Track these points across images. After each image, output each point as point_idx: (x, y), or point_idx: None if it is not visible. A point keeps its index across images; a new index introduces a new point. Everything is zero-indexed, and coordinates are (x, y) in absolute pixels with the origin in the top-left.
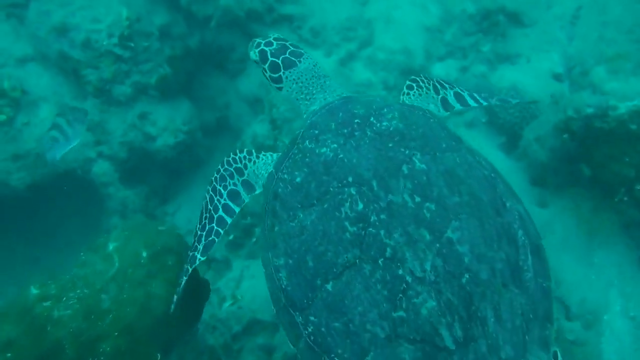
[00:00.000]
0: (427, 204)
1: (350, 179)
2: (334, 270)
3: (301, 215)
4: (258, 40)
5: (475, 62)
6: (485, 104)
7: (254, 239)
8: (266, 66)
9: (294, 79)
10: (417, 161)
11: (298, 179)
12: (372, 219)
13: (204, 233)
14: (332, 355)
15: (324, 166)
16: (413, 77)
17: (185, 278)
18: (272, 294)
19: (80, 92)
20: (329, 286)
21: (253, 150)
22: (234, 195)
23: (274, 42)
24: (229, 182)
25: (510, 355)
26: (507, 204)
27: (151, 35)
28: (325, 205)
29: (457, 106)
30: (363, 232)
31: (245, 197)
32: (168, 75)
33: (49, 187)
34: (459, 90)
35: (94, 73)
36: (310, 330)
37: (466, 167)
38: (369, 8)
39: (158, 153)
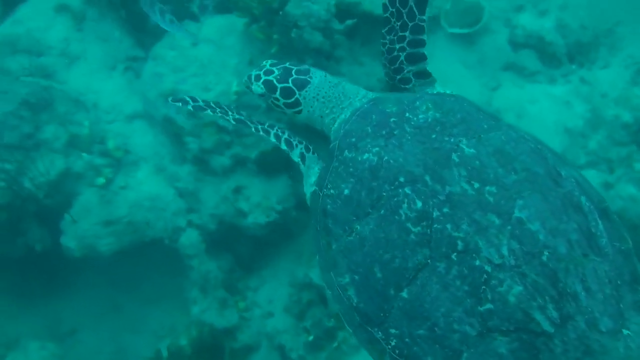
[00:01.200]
0: (487, 188)
1: (401, 179)
2: (406, 275)
3: (358, 227)
4: (255, 72)
5: (623, 180)
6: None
7: (336, 344)
8: (277, 95)
9: (312, 97)
10: (464, 147)
11: (346, 192)
12: (434, 215)
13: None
14: None
15: (370, 172)
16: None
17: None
18: (344, 315)
19: (180, 156)
20: (403, 293)
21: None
22: (288, 143)
23: (274, 69)
24: (296, 139)
25: (610, 327)
26: (563, 173)
27: (258, 109)
28: (382, 211)
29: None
30: (429, 230)
31: (296, 156)
32: (269, 150)
33: (136, 254)
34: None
35: (195, 141)
36: (393, 343)
37: (513, 144)
38: (500, 95)
39: (248, 229)
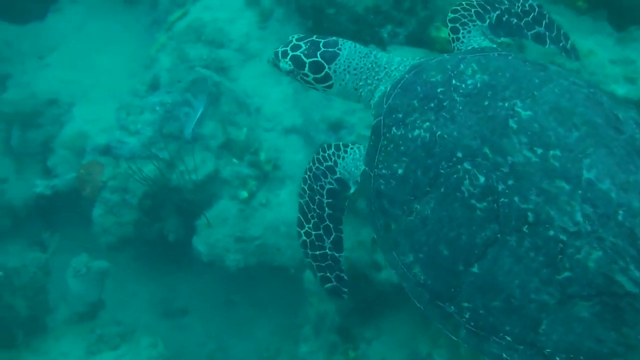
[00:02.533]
0: (551, 152)
1: (459, 154)
2: (475, 251)
3: (418, 207)
4: (282, 48)
5: None
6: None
7: None
8: (306, 70)
9: (343, 70)
10: (520, 110)
11: (400, 171)
12: (499, 189)
13: (321, 231)
14: (501, 334)
15: (424, 150)
16: (451, 15)
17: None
18: (412, 292)
19: None
20: (474, 269)
21: (340, 145)
22: (333, 194)
23: (301, 43)
24: (325, 182)
25: None
26: (620, 115)
27: None
28: (442, 190)
29: (501, 35)
30: (495, 205)
31: (344, 194)
32: None
33: (258, 275)
34: (500, 14)
35: None
36: (467, 316)
37: (568, 96)
38: None
39: (378, 284)
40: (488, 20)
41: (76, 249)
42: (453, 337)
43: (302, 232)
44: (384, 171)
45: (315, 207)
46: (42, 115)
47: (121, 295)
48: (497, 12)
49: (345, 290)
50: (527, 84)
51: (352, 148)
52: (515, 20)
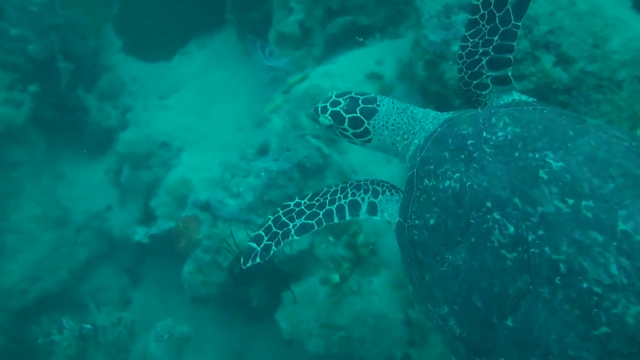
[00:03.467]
0: (584, 203)
1: (489, 204)
2: (508, 303)
3: (450, 257)
4: (321, 105)
5: None
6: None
7: None
8: (345, 125)
9: (382, 125)
10: (551, 161)
11: (432, 221)
12: (530, 239)
13: (307, 211)
14: None
15: (454, 200)
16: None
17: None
18: (448, 345)
19: None
20: (508, 322)
21: (397, 187)
22: (354, 205)
23: (341, 100)
24: (360, 194)
25: None
26: None
27: None
28: (472, 239)
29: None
30: (526, 255)
31: (363, 214)
32: None
33: None
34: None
35: None
36: None
37: (605, 147)
38: None
39: None
40: (489, 78)
41: (163, 291)
42: None
43: (296, 200)
44: (417, 222)
45: (328, 198)
46: (153, 157)
47: (197, 338)
48: (486, 59)
49: (258, 260)
50: (561, 136)
51: (399, 194)
52: (496, 38)
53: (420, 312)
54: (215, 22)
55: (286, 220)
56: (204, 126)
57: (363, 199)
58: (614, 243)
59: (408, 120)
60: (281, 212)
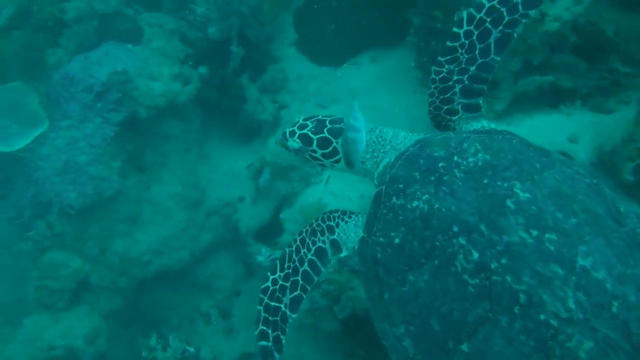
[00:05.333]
0: (547, 235)
1: (455, 229)
2: (466, 329)
3: (412, 278)
4: (289, 129)
5: None
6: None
7: None
8: (314, 146)
9: None
10: (519, 192)
11: (397, 240)
12: (493, 266)
13: (288, 284)
14: None
15: (421, 221)
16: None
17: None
18: None
19: None
20: (464, 347)
21: (347, 211)
22: (320, 253)
23: (308, 122)
24: (319, 239)
25: None
26: (622, 209)
27: None
28: (436, 262)
29: (479, 99)
30: (487, 283)
31: (332, 257)
32: None
33: None
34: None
35: None
36: None
37: (569, 182)
38: None
39: None
40: (459, 105)
41: None
42: None
43: (270, 277)
44: (381, 239)
45: (296, 259)
46: (295, 171)
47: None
48: (459, 87)
49: (277, 356)
50: (528, 167)
51: (356, 215)
52: (473, 68)
53: (377, 329)
54: (394, 40)
55: (275, 304)
56: None
57: (324, 242)
58: (573, 278)
59: (377, 139)
60: (266, 298)
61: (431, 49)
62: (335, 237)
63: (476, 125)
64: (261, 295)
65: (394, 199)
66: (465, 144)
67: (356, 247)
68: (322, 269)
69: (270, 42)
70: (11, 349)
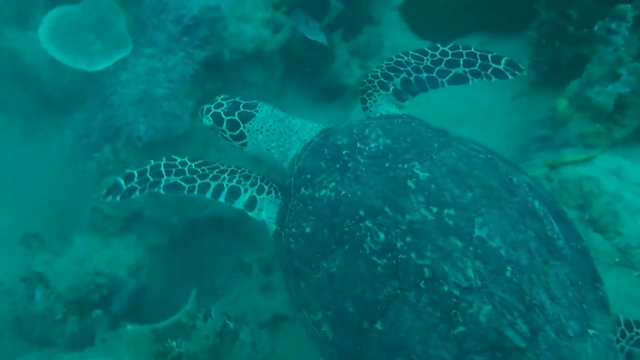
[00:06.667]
0: (446, 211)
1: (362, 213)
2: (378, 308)
3: (325, 265)
4: (207, 106)
5: None
6: (429, 87)
7: None
8: (224, 127)
9: (257, 130)
10: (418, 172)
11: (308, 230)
12: (398, 245)
13: (187, 174)
14: None
15: (330, 209)
16: (361, 87)
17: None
18: (322, 352)
19: None
20: (378, 325)
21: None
22: (233, 191)
23: (224, 102)
24: (244, 184)
25: (577, 330)
26: (514, 180)
27: None
28: (346, 247)
29: (409, 96)
30: (394, 261)
31: (239, 204)
32: None
33: None
34: (406, 76)
35: None
36: None
37: (465, 160)
38: None
39: None
40: (392, 87)
41: None
42: None
43: (187, 160)
44: (294, 230)
45: (215, 172)
46: None
47: None
48: (403, 75)
49: (118, 199)
50: (427, 148)
51: (275, 194)
52: (425, 75)
53: (297, 320)
54: (511, 28)
55: (163, 171)
56: None
57: (246, 190)
58: (471, 248)
59: (284, 129)
60: (163, 162)
61: (553, 50)
62: (259, 197)
63: (385, 109)
64: (163, 157)
65: (303, 190)
66: (367, 130)
67: (270, 234)
68: (221, 199)
69: (373, 0)
70: (60, 265)
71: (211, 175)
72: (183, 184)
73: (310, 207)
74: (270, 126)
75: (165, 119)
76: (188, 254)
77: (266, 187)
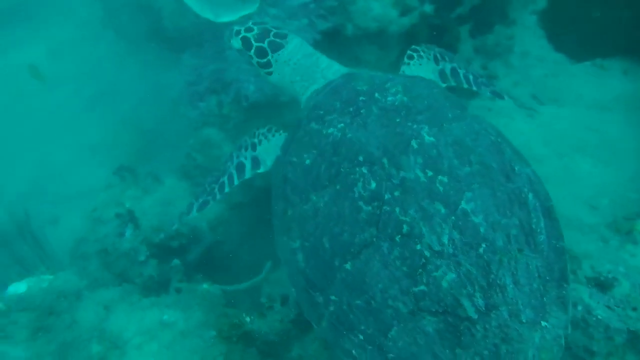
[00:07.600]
0: (440, 177)
1: (360, 158)
2: (352, 250)
3: (314, 198)
4: (237, 27)
5: None
6: (475, 89)
7: None
8: (252, 53)
9: (284, 61)
10: (425, 135)
11: (307, 162)
12: (386, 197)
13: (207, 190)
14: (356, 332)
15: (332, 147)
16: (414, 46)
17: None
18: (291, 277)
19: None
20: (347, 266)
21: (274, 128)
22: (240, 168)
23: (255, 27)
24: (242, 154)
25: (531, 318)
26: (516, 168)
27: None
28: (338, 187)
29: (451, 82)
30: (378, 211)
31: (249, 173)
32: None
33: None
34: (457, 67)
35: None
36: (331, 309)
37: (474, 136)
38: None
39: None
40: (441, 67)
41: None
42: (315, 326)
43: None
44: (294, 159)
45: (221, 167)
46: None
47: None
48: (454, 65)
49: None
50: (440, 116)
51: (281, 134)
52: (471, 76)
53: (276, 244)
54: None
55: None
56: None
57: (246, 157)
58: (453, 218)
59: (311, 65)
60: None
61: None
62: (256, 153)
63: (409, 71)
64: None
65: (313, 124)
66: (388, 84)
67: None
68: (236, 182)
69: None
70: (147, 202)
71: (220, 173)
72: (206, 198)
73: (315, 140)
74: (298, 60)
75: None
76: (265, 217)
77: (256, 141)
